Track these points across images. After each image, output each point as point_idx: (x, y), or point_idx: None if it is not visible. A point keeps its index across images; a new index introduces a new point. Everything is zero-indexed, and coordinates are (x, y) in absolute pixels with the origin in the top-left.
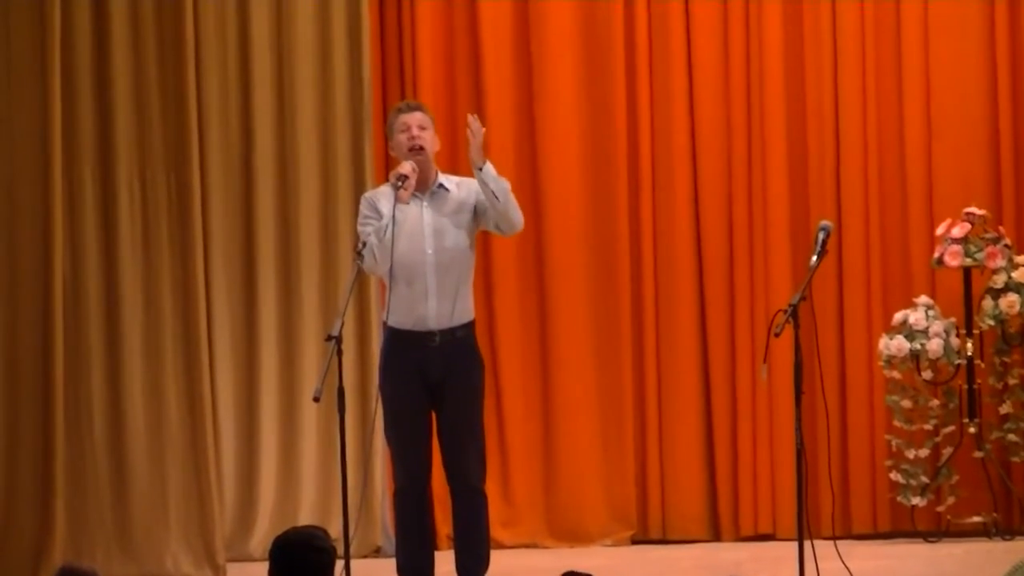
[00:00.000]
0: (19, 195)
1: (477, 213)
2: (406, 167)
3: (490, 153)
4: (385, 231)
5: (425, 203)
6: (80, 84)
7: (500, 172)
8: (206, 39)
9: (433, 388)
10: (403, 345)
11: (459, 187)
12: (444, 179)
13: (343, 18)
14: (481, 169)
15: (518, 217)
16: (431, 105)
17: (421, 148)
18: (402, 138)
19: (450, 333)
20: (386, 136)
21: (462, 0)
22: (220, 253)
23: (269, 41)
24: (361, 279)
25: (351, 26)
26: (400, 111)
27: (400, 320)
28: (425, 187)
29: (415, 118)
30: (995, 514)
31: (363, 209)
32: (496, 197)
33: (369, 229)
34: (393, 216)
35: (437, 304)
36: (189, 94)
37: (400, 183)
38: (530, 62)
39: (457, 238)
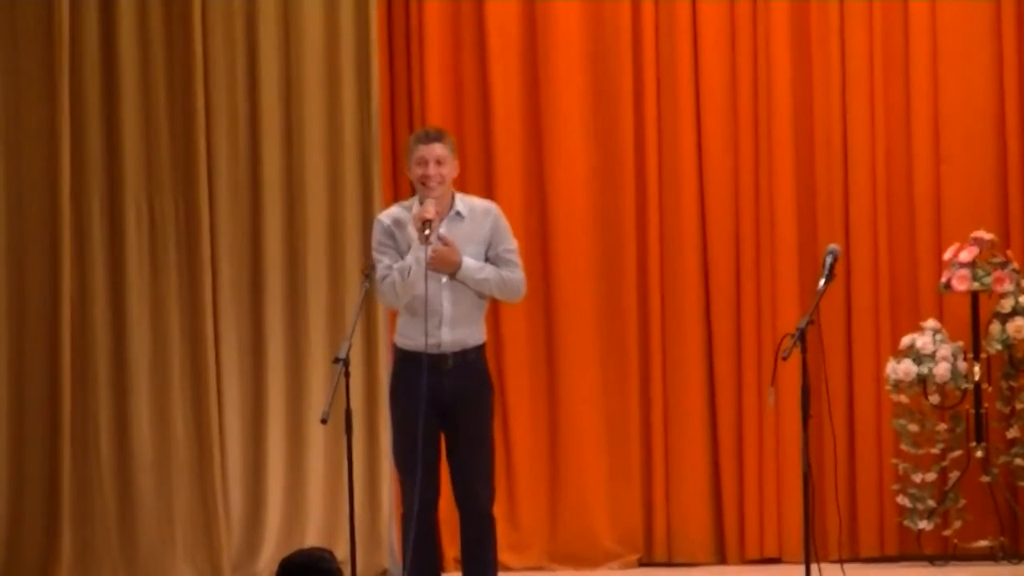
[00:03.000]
0: (27, 220)
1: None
2: (429, 211)
3: (497, 175)
4: (409, 272)
5: (441, 230)
6: (88, 108)
7: (507, 193)
8: (214, 62)
9: (443, 411)
10: (414, 367)
11: (473, 213)
12: (460, 203)
13: (351, 42)
14: (455, 276)
15: (512, 294)
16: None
17: (433, 187)
18: (417, 171)
19: (462, 356)
20: (404, 156)
21: (469, 21)
22: (228, 277)
23: (277, 65)
24: (368, 301)
25: (359, 49)
26: (418, 141)
27: (412, 343)
28: (441, 215)
29: (433, 152)
30: (1002, 538)
31: (378, 235)
32: (481, 291)
33: (387, 261)
34: (420, 259)
35: (451, 330)
36: (197, 118)
37: (427, 228)
38: (537, 83)
39: None
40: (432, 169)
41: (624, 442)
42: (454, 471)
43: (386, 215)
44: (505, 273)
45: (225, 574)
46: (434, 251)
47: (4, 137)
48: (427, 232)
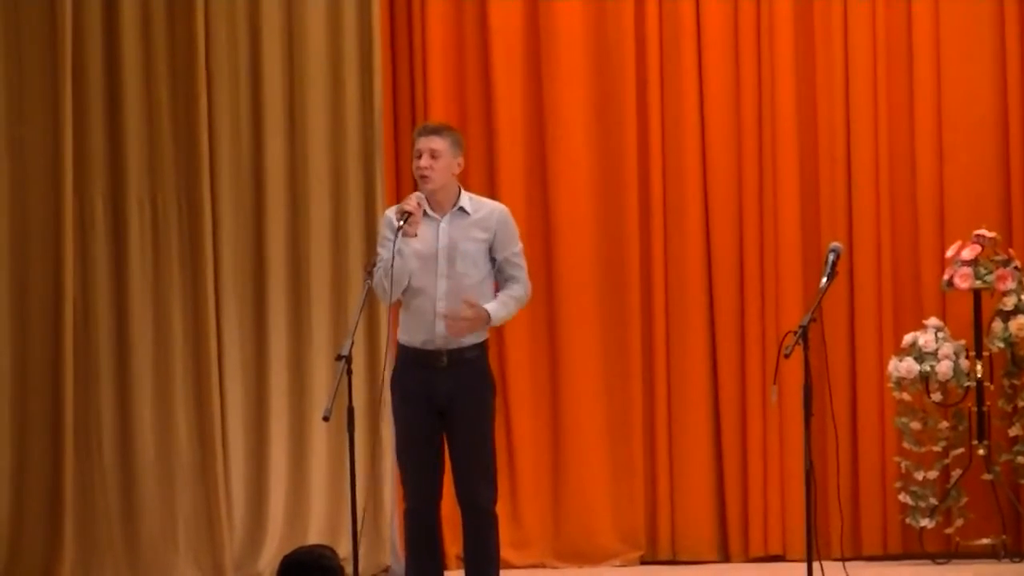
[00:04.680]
0: (31, 217)
1: (494, 262)
2: (411, 202)
3: (499, 173)
4: (392, 265)
5: (443, 225)
6: (91, 106)
7: (510, 193)
8: (217, 59)
9: (442, 408)
10: (412, 363)
11: (479, 211)
12: (466, 200)
13: (354, 40)
14: (489, 322)
15: (522, 304)
16: None
17: (424, 178)
18: (414, 163)
19: (459, 354)
20: (407, 154)
21: (472, 23)
22: (230, 274)
23: (280, 63)
24: (371, 298)
25: (362, 48)
26: (417, 134)
27: (409, 338)
28: (444, 210)
29: (429, 144)
30: (1004, 536)
31: (383, 229)
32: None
33: (384, 253)
34: (394, 251)
35: (447, 327)
36: (200, 115)
37: (404, 219)
38: (540, 81)
39: (471, 263)
40: (425, 160)
41: (627, 440)
42: (455, 469)
43: (392, 209)
44: (517, 292)
45: (227, 572)
46: (464, 319)
47: (7, 134)
48: (400, 223)
